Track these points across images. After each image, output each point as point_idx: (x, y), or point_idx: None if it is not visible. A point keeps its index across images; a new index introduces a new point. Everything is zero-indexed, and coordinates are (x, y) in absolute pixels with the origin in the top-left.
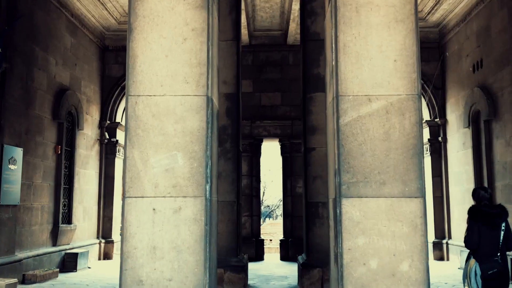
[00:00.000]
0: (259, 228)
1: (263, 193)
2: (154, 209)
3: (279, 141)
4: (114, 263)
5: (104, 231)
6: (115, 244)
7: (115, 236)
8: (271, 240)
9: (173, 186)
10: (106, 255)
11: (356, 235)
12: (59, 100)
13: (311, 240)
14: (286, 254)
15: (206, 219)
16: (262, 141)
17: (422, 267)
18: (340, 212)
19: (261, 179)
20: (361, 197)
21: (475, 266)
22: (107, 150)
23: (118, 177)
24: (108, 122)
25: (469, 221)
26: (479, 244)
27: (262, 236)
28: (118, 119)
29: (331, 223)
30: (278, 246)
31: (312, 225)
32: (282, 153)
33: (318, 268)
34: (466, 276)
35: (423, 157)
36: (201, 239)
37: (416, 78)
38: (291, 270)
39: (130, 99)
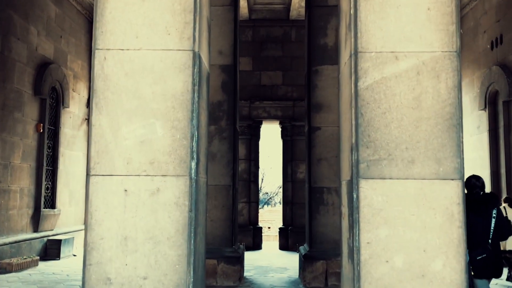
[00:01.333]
0: (257, 216)
1: (262, 179)
2: (125, 190)
3: (280, 123)
4: None
5: None
6: None
7: None
8: (269, 227)
9: (150, 162)
10: None
11: (377, 226)
12: (42, 74)
13: (315, 229)
14: (286, 243)
15: (191, 203)
16: (261, 123)
17: (459, 266)
18: (358, 197)
19: (260, 165)
20: (384, 179)
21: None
22: None
23: None
24: None
25: None
26: (470, 233)
27: (260, 224)
28: None
29: (344, 210)
30: (277, 234)
31: (315, 212)
32: (282, 136)
33: (322, 260)
34: None
35: (462, 130)
36: (184, 228)
37: (454, 31)
38: (291, 260)
39: (97, 54)
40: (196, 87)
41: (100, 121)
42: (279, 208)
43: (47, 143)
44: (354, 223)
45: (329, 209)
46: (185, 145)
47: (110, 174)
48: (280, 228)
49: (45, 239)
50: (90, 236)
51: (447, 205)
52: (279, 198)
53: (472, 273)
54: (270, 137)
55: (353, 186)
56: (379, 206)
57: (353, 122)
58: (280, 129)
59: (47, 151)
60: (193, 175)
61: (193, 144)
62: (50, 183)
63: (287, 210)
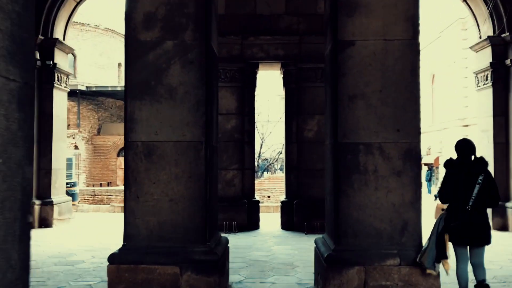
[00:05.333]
0: (253, 186)
1: (261, 144)
2: None
3: (282, 66)
4: (55, 234)
5: (41, 189)
6: (56, 207)
7: (57, 195)
8: (269, 196)
9: None
10: (44, 222)
11: None
12: None
13: (345, 213)
14: (290, 220)
15: None
16: (257, 66)
17: None
18: None
19: (258, 127)
20: None
21: (440, 219)
22: (42, 78)
23: (59, 114)
24: (42, 37)
25: (445, 173)
26: (453, 198)
27: (257, 196)
28: (57, 34)
29: None
30: (278, 205)
31: (346, 185)
32: (285, 84)
33: (358, 266)
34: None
35: None
36: None
37: None
38: (299, 249)
39: None
40: None
41: None
42: (281, 175)
43: None
44: None
45: (369, 180)
46: None
47: None
48: (282, 202)
49: None
50: None
51: None
52: (279, 164)
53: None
54: (269, 90)
55: None
56: None
57: None
58: (283, 75)
59: None
60: None
61: None
62: None
63: (292, 178)
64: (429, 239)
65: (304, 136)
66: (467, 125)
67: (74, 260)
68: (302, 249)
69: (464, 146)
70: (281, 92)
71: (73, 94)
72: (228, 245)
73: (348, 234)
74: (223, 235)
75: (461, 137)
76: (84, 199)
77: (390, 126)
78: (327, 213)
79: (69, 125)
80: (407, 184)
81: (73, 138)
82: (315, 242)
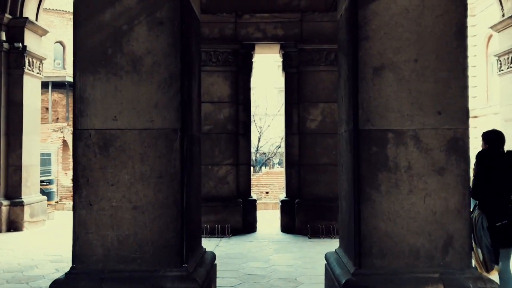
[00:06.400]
0: (249, 183)
1: (259, 138)
2: None
3: (281, 48)
4: (24, 239)
5: (9, 188)
6: (27, 208)
7: (29, 194)
8: (267, 192)
9: None
10: (13, 225)
11: None
12: None
13: (370, 225)
14: (290, 222)
15: None
16: (253, 48)
17: None
18: None
19: (256, 123)
20: None
21: (481, 218)
22: (10, 63)
23: (30, 103)
24: (9, 16)
25: (476, 167)
26: (488, 192)
27: (254, 194)
28: (28, 13)
29: None
30: (277, 202)
31: (370, 187)
32: (285, 68)
33: None
34: (473, 231)
35: None
36: None
37: None
38: (302, 258)
39: None
40: None
41: None
42: (279, 170)
43: None
44: None
45: (402, 180)
46: None
47: None
48: (282, 201)
49: None
50: None
51: None
52: (277, 159)
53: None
54: (266, 82)
55: None
56: None
57: None
58: (282, 58)
59: None
60: None
61: None
62: None
63: (292, 174)
64: (475, 239)
65: (307, 127)
66: (475, 116)
67: (32, 274)
68: (306, 258)
69: (496, 137)
70: (279, 84)
71: (62, 86)
72: (215, 262)
73: (374, 252)
74: (214, 239)
75: (490, 128)
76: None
77: (428, 107)
78: (342, 222)
79: (57, 118)
80: (452, 185)
81: (61, 132)
82: (326, 258)
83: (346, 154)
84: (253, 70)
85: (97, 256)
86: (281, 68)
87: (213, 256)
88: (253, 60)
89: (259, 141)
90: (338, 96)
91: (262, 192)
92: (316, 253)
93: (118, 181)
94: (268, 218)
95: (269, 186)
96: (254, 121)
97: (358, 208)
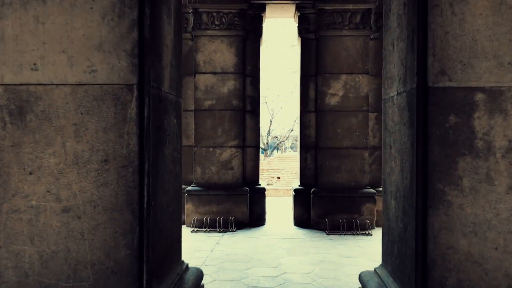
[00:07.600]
0: (257, 169)
1: (271, 121)
2: None
3: (297, 8)
4: None
5: None
6: None
7: None
8: (279, 177)
9: None
10: None
11: None
12: None
13: (442, 242)
14: (305, 214)
15: None
16: (264, 9)
17: None
18: None
19: (268, 105)
20: None
21: None
22: None
23: None
24: None
25: None
26: None
27: (264, 181)
28: None
29: None
30: (289, 189)
31: (444, 182)
32: (301, 33)
33: None
34: None
35: None
36: None
37: None
38: (320, 263)
39: None
40: None
41: None
42: (292, 154)
43: None
44: None
45: (496, 170)
46: None
47: None
48: (295, 190)
49: None
50: None
51: None
52: (290, 143)
53: None
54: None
55: None
56: None
57: None
58: (298, 21)
59: None
60: None
61: None
62: None
63: (308, 159)
64: None
65: (326, 103)
66: None
67: None
68: (326, 263)
69: None
70: (293, 65)
71: None
72: (202, 282)
73: (448, 286)
74: (215, 234)
75: None
76: None
77: None
78: (388, 232)
79: None
80: None
81: None
82: (363, 281)
83: (400, 128)
84: (264, 44)
85: (7, 284)
86: (295, 46)
87: (197, 275)
88: (263, 23)
89: (270, 124)
90: (385, 45)
91: (274, 177)
92: (338, 256)
93: (41, 167)
94: (279, 207)
95: (281, 171)
96: (266, 103)
97: (424, 215)
